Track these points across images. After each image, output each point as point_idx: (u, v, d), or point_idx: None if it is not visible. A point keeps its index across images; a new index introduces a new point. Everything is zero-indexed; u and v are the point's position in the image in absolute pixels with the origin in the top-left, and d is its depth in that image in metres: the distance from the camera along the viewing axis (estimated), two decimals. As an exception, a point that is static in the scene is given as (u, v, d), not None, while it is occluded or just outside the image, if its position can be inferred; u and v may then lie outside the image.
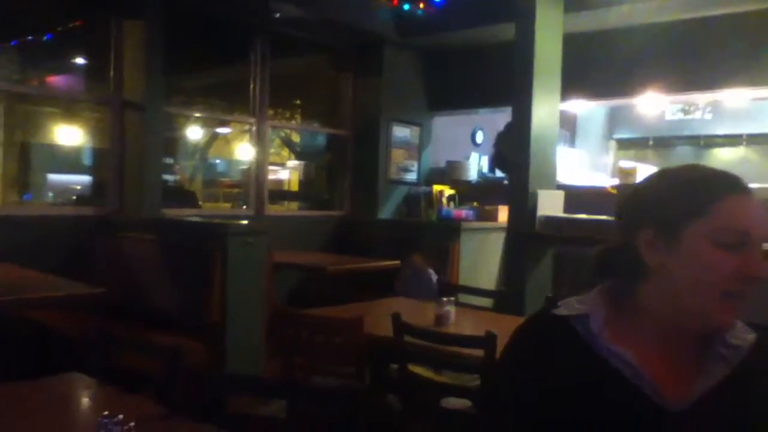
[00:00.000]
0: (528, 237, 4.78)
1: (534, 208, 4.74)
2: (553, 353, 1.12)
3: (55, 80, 9.16)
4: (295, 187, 10.62)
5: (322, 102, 7.63)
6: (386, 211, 6.61)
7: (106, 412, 1.28)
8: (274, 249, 4.58)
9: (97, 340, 3.45)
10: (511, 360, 1.19)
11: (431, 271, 5.04)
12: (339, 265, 5.17)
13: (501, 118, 6.45)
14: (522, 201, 4.78)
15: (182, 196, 7.71)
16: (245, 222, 4.94)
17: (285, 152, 11.38)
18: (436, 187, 6.47)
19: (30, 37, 8.35)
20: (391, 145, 6.66)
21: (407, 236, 5.87)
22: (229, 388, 2.04)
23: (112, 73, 4.97)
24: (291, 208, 7.45)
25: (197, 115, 7.46)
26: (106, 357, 2.23)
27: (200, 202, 8.16)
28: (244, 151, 12.78)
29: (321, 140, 9.75)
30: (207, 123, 11.44)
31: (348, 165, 6.81)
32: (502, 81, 5.17)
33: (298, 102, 9.03)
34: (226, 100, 7.83)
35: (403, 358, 2.63)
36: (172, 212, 5.28)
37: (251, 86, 6.03)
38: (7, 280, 3.82)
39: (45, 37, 8.32)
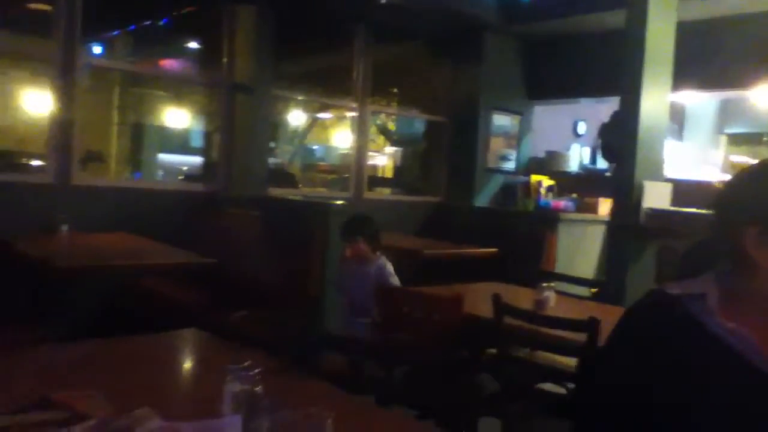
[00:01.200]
0: (632, 229, 4.65)
1: (639, 200, 4.61)
2: (666, 332, 1.12)
3: (167, 64, 9.59)
4: (389, 174, 10.74)
5: (421, 89, 7.66)
6: (482, 199, 6.59)
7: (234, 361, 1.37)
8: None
9: (210, 306, 3.65)
10: (622, 339, 1.19)
11: (381, 262, 3.60)
12: (434, 249, 5.21)
13: (605, 109, 6.28)
14: (627, 192, 4.65)
15: (282, 178, 7.96)
16: (346, 202, 5.05)
17: (380, 140, 11.52)
18: (534, 177, 6.39)
19: (147, 22, 8.79)
20: (490, 133, 6.62)
21: (502, 225, 5.83)
22: (329, 346, 2.13)
23: (224, 56, 5.18)
24: (384, 193, 7.56)
25: (301, 98, 7.66)
26: (217, 324, 2.36)
27: (299, 186, 8.41)
28: (341, 138, 13.06)
29: (416, 128, 9.80)
30: (307, 108, 11.73)
31: (445, 152, 6.83)
32: (609, 70, 5.04)
33: (394, 90, 9.11)
34: (327, 87, 8.00)
35: (502, 338, 2.64)
36: (276, 192, 5.48)
37: (354, 72, 6.14)
38: (123, 246, 4.10)
39: (160, 22, 8.74)
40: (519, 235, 5.49)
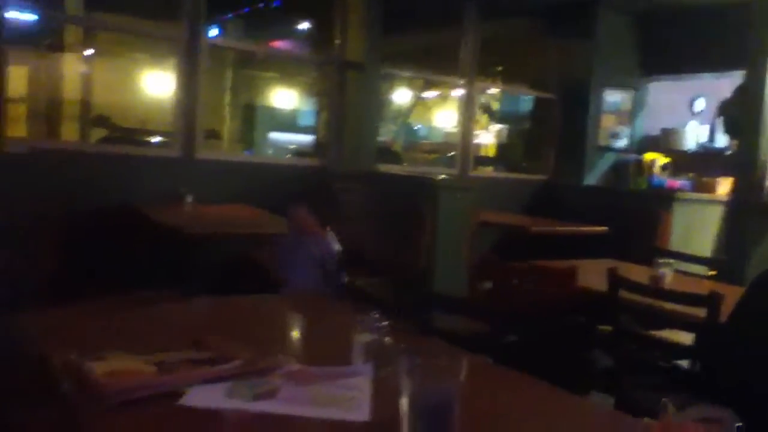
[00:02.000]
0: (755, 207, 4.43)
1: (763, 178, 4.38)
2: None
3: (278, 45, 9.87)
4: (491, 152, 10.66)
5: (529, 66, 7.54)
6: (592, 177, 6.44)
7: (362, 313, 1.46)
8: (477, 208, 4.70)
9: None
10: (751, 308, 1.18)
11: (327, 236, 3.13)
12: (541, 227, 5.16)
13: (725, 84, 5.96)
14: (750, 169, 4.43)
15: (387, 156, 8.08)
16: (452, 177, 5.09)
17: (483, 119, 11.43)
18: (648, 156, 6.17)
19: (260, 5, 9.09)
20: (601, 110, 6.44)
21: (613, 203, 5.68)
22: (442, 307, 2.19)
23: (336, 35, 5.31)
24: (487, 171, 7.53)
25: (407, 75, 7.71)
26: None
27: (404, 164, 8.50)
28: (444, 117, 13.05)
29: (521, 106, 9.65)
30: (411, 86, 11.79)
31: (554, 129, 6.70)
32: (730, 43, 4.78)
33: (498, 68, 9.01)
34: (434, 64, 8.02)
35: (616, 312, 2.61)
36: (385, 167, 5.59)
37: (462, 49, 6.12)
38: (241, 217, 4.32)
39: (272, 5, 9.02)
40: (631, 215, 5.33)
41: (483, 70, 7.46)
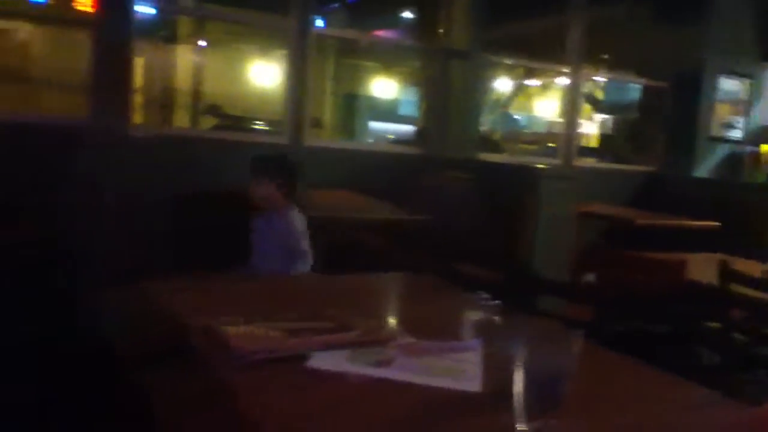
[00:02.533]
0: None
1: None
2: None
3: (381, 34, 9.98)
4: (594, 143, 10.39)
5: (637, 52, 7.28)
6: (703, 170, 6.18)
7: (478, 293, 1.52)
8: (581, 198, 4.64)
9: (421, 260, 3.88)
10: None
11: (291, 217, 2.98)
12: (647, 219, 5.02)
13: None
14: None
15: (487, 145, 8.05)
16: (557, 167, 5.04)
17: (585, 108, 11.15)
18: (765, 147, 5.86)
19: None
20: (714, 98, 6.16)
21: (727, 197, 5.44)
22: (547, 291, 2.21)
23: (440, 23, 5.34)
24: (590, 162, 7.36)
25: (510, 63, 7.64)
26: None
27: (503, 153, 8.44)
28: (545, 106, 12.82)
29: (627, 94, 9.33)
30: (513, 75, 11.65)
31: (662, 119, 6.47)
32: None
33: (604, 56, 8.75)
34: (537, 52, 7.90)
35: (727, 306, 2.54)
36: (486, 156, 5.59)
37: (568, 36, 6.01)
38: (344, 203, 4.45)
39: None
40: (746, 209, 5.09)
41: (588, 57, 7.30)
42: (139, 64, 9.21)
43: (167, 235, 3.85)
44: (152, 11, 6.80)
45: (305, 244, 2.93)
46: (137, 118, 7.51)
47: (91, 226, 3.59)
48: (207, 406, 1.24)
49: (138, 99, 9.07)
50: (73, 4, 7.69)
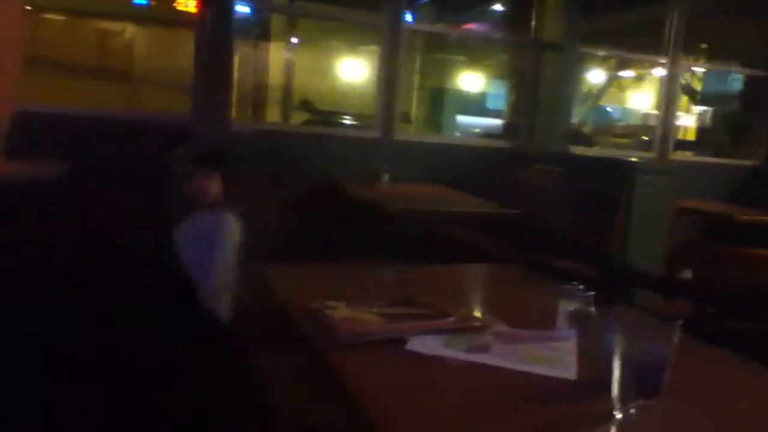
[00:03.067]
0: None
1: None
2: None
3: (470, 28, 9.93)
4: (691, 136, 9.99)
5: (740, 41, 6.96)
6: (811, 164, 5.86)
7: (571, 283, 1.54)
8: (677, 193, 4.50)
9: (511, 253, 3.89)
10: None
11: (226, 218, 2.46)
12: (750, 216, 4.81)
13: None
14: None
15: (578, 138, 7.89)
16: (652, 161, 4.91)
17: (683, 100, 10.73)
18: None
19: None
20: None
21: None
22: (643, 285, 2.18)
23: (532, 15, 5.30)
24: (687, 156, 7.09)
25: (603, 54, 7.46)
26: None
27: (595, 147, 8.26)
28: (639, 99, 12.41)
29: (728, 85, 8.92)
30: (605, 66, 11.34)
31: (766, 111, 6.16)
32: None
33: (702, 45, 8.40)
34: (632, 42, 7.67)
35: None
36: (577, 149, 5.51)
37: (666, 25, 5.82)
38: (434, 196, 4.50)
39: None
40: None
41: (686, 47, 7.03)
42: (234, 62, 9.57)
43: (270, 224, 4.01)
44: (247, 10, 7.05)
45: (224, 253, 2.32)
46: (233, 113, 7.81)
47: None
48: (316, 385, 1.32)
49: (234, 95, 9.43)
50: (174, 4, 8.08)
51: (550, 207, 4.47)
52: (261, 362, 1.82)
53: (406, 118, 9.79)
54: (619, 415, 1.10)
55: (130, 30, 9.60)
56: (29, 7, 4.18)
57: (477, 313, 1.66)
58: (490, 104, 12.42)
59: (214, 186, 2.50)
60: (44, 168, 3.53)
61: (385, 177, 4.61)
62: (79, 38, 9.48)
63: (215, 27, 4.01)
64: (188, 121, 4.21)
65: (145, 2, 9.41)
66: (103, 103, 8.54)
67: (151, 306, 1.35)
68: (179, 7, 7.90)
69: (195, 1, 5.08)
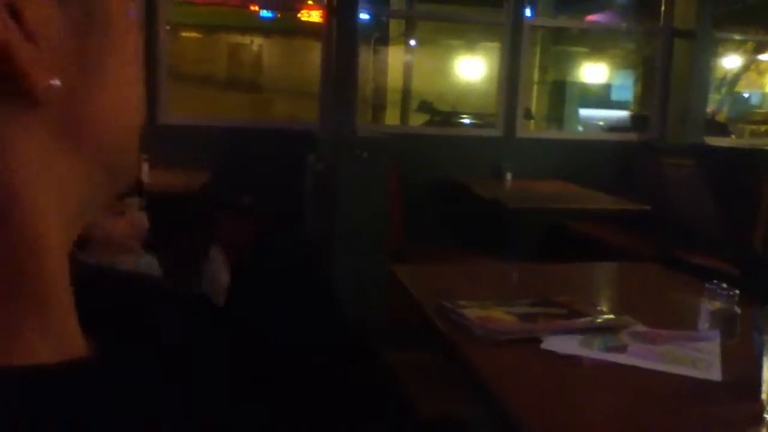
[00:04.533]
0: None
1: None
2: None
3: (592, 19, 9.65)
4: None
5: None
6: None
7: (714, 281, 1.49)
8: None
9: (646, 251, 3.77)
10: None
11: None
12: None
13: None
14: None
15: (712, 127, 7.46)
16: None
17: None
18: None
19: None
20: None
21: None
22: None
23: (662, 1, 5.07)
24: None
25: (740, 38, 7.02)
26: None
27: (731, 136, 7.78)
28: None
29: None
30: (743, 50, 10.64)
31: None
32: None
33: None
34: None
35: None
36: (712, 140, 5.23)
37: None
38: (559, 192, 4.43)
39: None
40: None
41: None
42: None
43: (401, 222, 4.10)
44: (367, 16, 7.22)
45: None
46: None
47: (323, 220, 3.96)
48: (449, 380, 1.37)
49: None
50: (299, 15, 8.42)
51: (685, 201, 4.28)
52: (393, 357, 1.89)
53: (528, 114, 9.65)
54: (769, 418, 1.07)
55: (258, 42, 10.10)
56: (168, 27, 4.50)
57: (613, 313, 1.65)
58: (615, 96, 11.99)
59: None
60: (192, 178, 3.80)
61: (508, 175, 4.59)
62: (212, 52, 10.09)
63: (340, 36, 4.15)
64: (316, 129, 4.39)
65: (271, 15, 9.87)
66: (235, 113, 9.05)
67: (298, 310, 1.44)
68: (303, 18, 8.22)
69: (319, 12, 5.28)
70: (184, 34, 9.98)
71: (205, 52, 10.10)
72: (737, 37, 6.80)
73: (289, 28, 9.61)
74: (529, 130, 6.67)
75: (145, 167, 3.94)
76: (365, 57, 10.08)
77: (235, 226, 3.46)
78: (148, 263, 1.75)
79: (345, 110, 4.03)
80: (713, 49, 6.41)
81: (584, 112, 11.68)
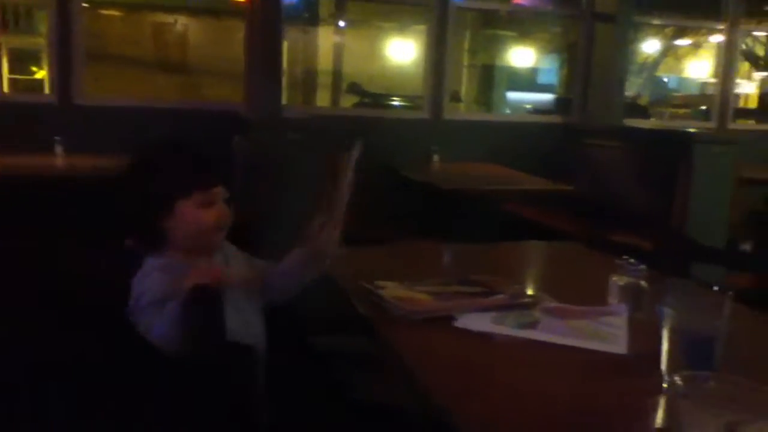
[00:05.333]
0: None
1: None
2: None
3: (520, 2, 9.75)
4: (753, 104, 9.62)
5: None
6: None
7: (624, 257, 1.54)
8: (740, 163, 4.36)
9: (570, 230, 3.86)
10: None
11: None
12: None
13: None
14: None
15: (633, 110, 7.71)
16: (711, 132, 4.77)
17: (744, 66, 10.34)
18: None
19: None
20: None
21: None
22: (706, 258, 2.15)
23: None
24: (748, 125, 6.85)
25: (658, 23, 7.25)
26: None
27: (651, 119, 8.05)
28: (696, 68, 12.00)
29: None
30: (661, 35, 11.01)
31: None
32: None
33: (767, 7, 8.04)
34: (688, 9, 7.42)
35: None
36: (633, 122, 5.39)
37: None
38: (486, 174, 4.49)
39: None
40: None
41: (748, 10, 6.76)
42: (283, 48, 9.67)
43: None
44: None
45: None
46: (284, 99, 7.91)
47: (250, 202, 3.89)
48: (373, 362, 1.37)
49: (284, 81, 9.54)
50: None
51: (606, 182, 4.41)
52: (322, 341, 1.87)
53: (456, 97, 9.74)
54: (668, 388, 1.11)
55: (183, 21, 9.80)
56: (86, 4, 4.32)
57: (529, 290, 1.67)
58: (542, 79, 12.23)
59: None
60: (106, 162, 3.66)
61: (436, 158, 4.61)
62: (136, 32, 9.73)
63: (264, 15, 4.06)
64: (241, 109, 4.29)
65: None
66: (160, 94, 8.79)
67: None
68: (230, -2, 8.03)
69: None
70: (105, 12, 9.59)
71: (128, 31, 9.73)
72: (657, 21, 7.01)
73: (216, 8, 9.37)
74: (458, 112, 6.72)
75: (59, 149, 3.81)
76: (294, 38, 9.94)
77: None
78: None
79: (271, 91, 3.96)
80: (634, 33, 6.60)
81: (512, 96, 11.88)
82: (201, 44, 9.71)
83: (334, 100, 10.65)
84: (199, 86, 9.07)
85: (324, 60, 10.90)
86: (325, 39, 10.95)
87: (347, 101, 9.94)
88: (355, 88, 9.77)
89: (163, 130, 4.32)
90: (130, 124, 4.28)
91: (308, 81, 10.73)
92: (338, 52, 11.04)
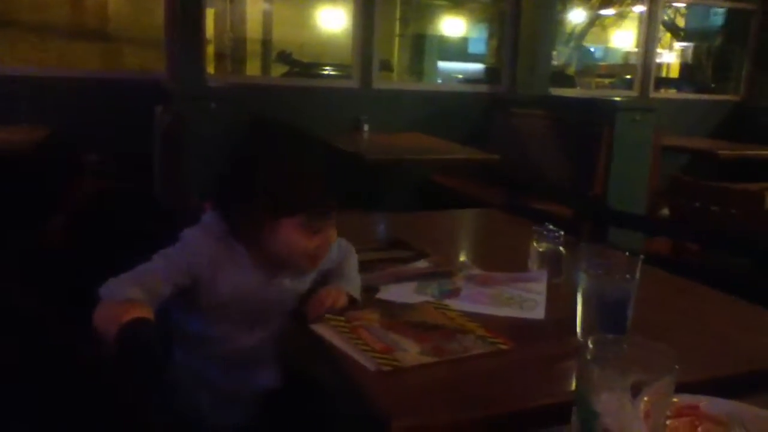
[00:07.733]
0: None
1: None
2: None
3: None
4: (674, 74, 9.95)
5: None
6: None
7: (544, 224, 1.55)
8: (660, 131, 4.50)
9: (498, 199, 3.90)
10: None
11: None
12: (732, 150, 4.83)
13: None
14: None
15: (561, 80, 7.84)
16: (633, 100, 4.89)
17: (666, 37, 10.66)
18: None
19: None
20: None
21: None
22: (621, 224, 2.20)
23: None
24: (669, 93, 7.07)
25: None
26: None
27: (577, 88, 8.21)
28: (622, 38, 12.30)
29: (711, 20, 8.85)
30: (587, 5, 11.21)
31: (750, 45, 6.12)
32: None
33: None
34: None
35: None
36: (559, 91, 5.47)
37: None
38: (414, 144, 4.49)
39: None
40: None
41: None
42: (210, 16, 9.36)
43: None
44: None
45: None
46: (211, 68, 7.69)
47: (172, 177, 3.77)
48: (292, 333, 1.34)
49: (210, 50, 9.26)
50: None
51: (532, 150, 4.48)
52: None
53: (387, 66, 9.67)
54: (581, 352, 1.12)
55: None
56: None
57: (450, 258, 1.67)
58: (473, 49, 12.29)
59: None
60: (28, 135, 3.49)
61: (366, 127, 4.58)
62: (50, -3, 9.23)
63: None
64: (163, 79, 4.14)
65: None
66: (77, 63, 8.40)
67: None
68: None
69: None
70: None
71: (42, -4, 9.24)
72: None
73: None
74: (388, 82, 6.68)
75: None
76: (221, 5, 9.64)
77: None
78: None
79: (192, 59, 3.83)
80: (560, 2, 6.68)
81: (443, 65, 11.90)
82: (122, 10, 9.30)
83: (264, 70, 10.43)
84: (119, 54, 8.71)
85: (253, 29, 10.64)
86: (254, 7, 10.68)
87: (278, 70, 9.74)
88: (284, 57, 9.58)
89: (80, 100, 4.14)
90: (44, 95, 4.07)
91: (237, 50, 10.46)
92: (268, 20, 10.80)
